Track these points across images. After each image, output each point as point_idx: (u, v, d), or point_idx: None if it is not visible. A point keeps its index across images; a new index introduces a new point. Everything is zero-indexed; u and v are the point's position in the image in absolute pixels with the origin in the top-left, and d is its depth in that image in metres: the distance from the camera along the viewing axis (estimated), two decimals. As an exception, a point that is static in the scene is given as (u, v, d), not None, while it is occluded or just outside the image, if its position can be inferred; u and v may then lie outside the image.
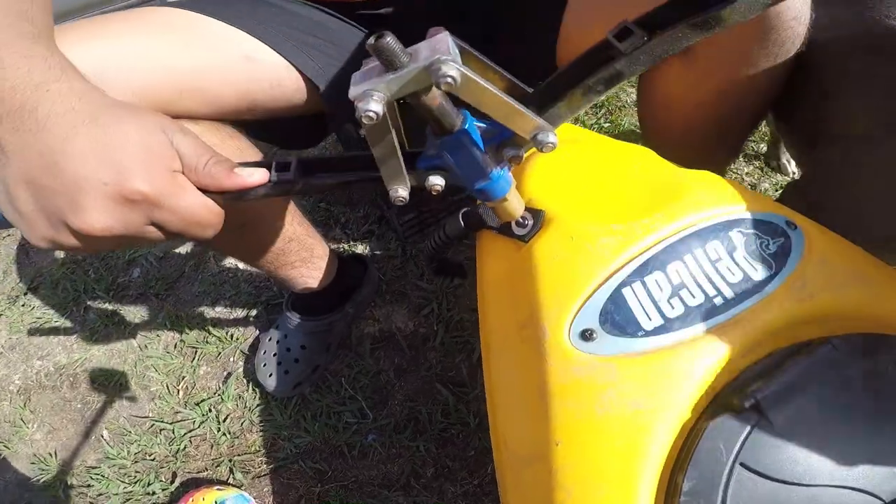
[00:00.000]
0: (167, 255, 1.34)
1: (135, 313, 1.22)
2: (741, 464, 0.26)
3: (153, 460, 0.99)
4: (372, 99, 0.27)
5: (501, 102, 0.30)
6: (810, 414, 0.28)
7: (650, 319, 0.32)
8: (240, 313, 1.16)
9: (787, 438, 0.27)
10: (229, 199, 0.39)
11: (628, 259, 0.34)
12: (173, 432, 1.01)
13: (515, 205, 0.40)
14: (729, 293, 0.32)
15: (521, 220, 0.41)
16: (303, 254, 0.90)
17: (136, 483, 0.96)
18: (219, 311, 1.18)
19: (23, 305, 1.30)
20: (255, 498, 0.91)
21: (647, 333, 0.31)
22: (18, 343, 1.23)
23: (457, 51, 0.29)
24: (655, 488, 0.28)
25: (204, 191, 0.38)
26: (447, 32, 0.29)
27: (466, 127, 0.33)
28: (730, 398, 0.28)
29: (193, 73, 0.56)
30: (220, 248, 0.86)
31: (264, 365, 1.01)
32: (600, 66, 0.31)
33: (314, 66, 0.68)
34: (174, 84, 0.55)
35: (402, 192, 0.36)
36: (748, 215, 0.37)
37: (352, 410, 0.97)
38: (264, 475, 0.94)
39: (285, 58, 0.63)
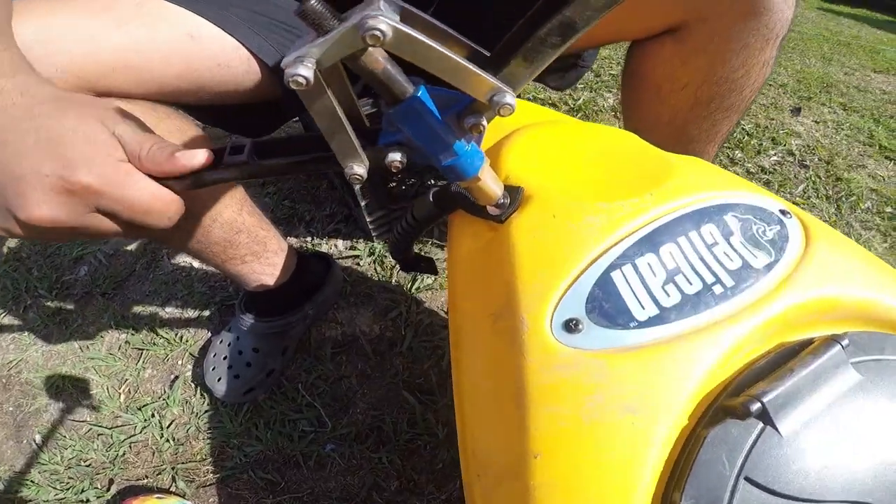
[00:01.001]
0: (117, 253, 1.24)
1: (78, 313, 1.11)
2: (746, 478, 0.23)
3: (88, 466, 0.87)
4: (301, 64, 0.26)
5: (449, 61, 0.27)
6: (820, 420, 0.24)
7: (643, 308, 0.27)
8: (191, 314, 1.06)
9: (796, 448, 0.23)
10: (184, 186, 0.38)
11: (617, 240, 0.30)
12: (111, 437, 0.89)
13: (491, 185, 0.36)
14: (729, 281, 0.28)
15: (498, 201, 0.37)
16: (254, 247, 0.82)
17: (68, 489, 0.85)
18: (169, 312, 1.07)
19: (-45, 303, 1.19)
20: None
21: (640, 325, 0.27)
22: (-53, 343, 1.12)
23: (391, 9, 0.27)
24: (658, 478, 0.24)
25: (159, 179, 0.37)
26: None
27: (419, 95, 0.30)
28: (732, 402, 0.24)
29: (126, 50, 0.54)
30: (163, 241, 0.78)
31: (213, 368, 0.91)
32: (550, 14, 0.28)
33: (268, 47, 0.65)
34: (103, 61, 0.52)
35: (357, 168, 0.33)
36: (742, 200, 0.34)
37: (308, 418, 0.88)
38: (210, 485, 0.83)
39: (234, 37, 0.61)
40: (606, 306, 0.28)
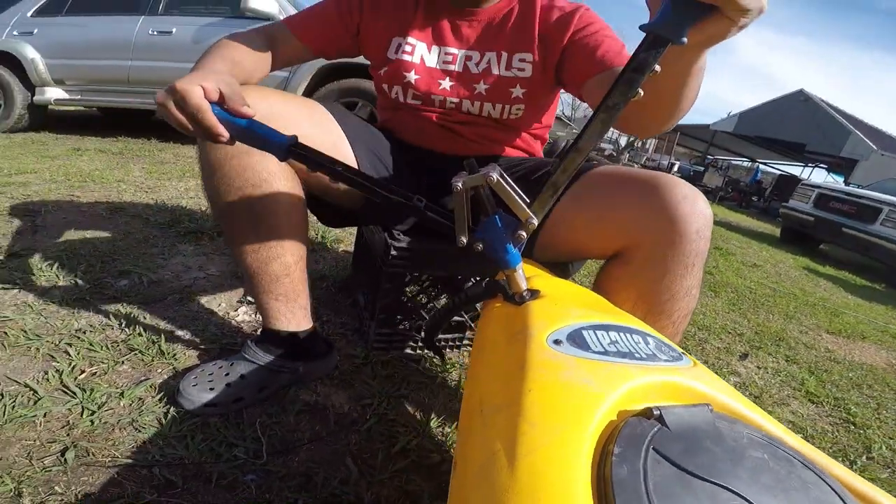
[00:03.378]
0: (160, 282, 1.32)
1: (94, 305, 1.14)
2: (654, 448, 0.33)
3: None
4: (460, 183, 0.55)
5: (512, 198, 0.55)
6: (690, 439, 0.35)
7: (597, 346, 0.45)
8: (193, 345, 1.07)
9: (682, 441, 0.34)
10: (236, 131, 0.65)
11: (589, 320, 0.49)
12: (34, 400, 0.81)
13: (521, 278, 0.58)
14: (643, 355, 0.45)
15: (522, 293, 0.58)
16: (290, 294, 0.93)
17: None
18: (175, 337, 1.08)
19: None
20: (62, 484, 0.68)
21: (593, 352, 0.44)
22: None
23: (497, 172, 0.55)
24: (598, 436, 0.35)
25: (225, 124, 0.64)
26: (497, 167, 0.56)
27: (497, 216, 0.58)
28: (641, 410, 0.38)
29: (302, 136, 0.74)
30: (233, 239, 0.88)
31: (194, 377, 0.88)
32: (546, 180, 0.55)
33: (369, 167, 0.96)
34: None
35: (463, 239, 0.60)
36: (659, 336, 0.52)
37: (247, 448, 0.79)
38: (97, 466, 0.71)
39: (354, 153, 0.94)
40: (577, 340, 0.45)
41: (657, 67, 0.45)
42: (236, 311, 1.27)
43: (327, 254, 1.84)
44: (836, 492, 0.33)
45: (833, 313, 2.72)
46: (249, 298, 1.32)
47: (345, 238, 2.01)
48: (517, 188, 0.56)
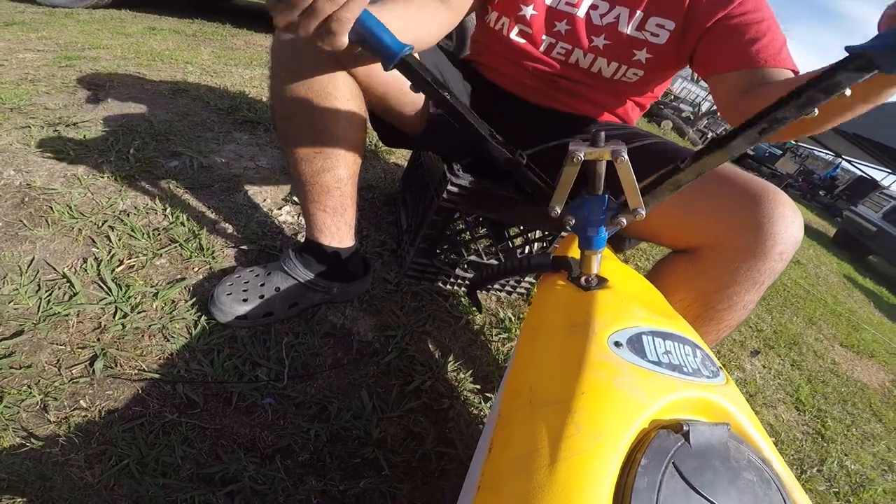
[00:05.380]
0: (210, 167, 1.25)
1: (139, 184, 1.09)
2: (673, 463, 0.33)
3: (17, 307, 0.74)
4: (578, 152, 0.46)
5: (631, 184, 0.47)
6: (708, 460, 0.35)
7: (652, 355, 0.43)
8: (234, 241, 1.02)
9: (697, 459, 0.34)
10: (358, 37, 0.50)
11: (650, 325, 0.47)
12: (70, 295, 0.78)
13: (597, 263, 0.52)
14: (689, 369, 0.43)
15: (591, 277, 0.52)
16: (338, 207, 0.86)
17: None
18: (216, 230, 1.03)
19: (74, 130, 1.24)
20: (87, 398, 0.66)
21: (648, 361, 0.42)
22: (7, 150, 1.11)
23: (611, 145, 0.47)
24: (630, 446, 0.34)
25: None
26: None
27: (606, 196, 0.50)
28: (670, 422, 0.38)
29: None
30: (289, 144, 0.81)
31: (229, 284, 0.84)
32: (667, 178, 0.50)
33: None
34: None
35: (557, 209, 0.52)
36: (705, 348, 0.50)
37: (269, 369, 0.77)
38: (124, 378, 0.69)
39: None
40: (636, 346, 0.43)
41: (847, 92, 0.42)
42: (280, 209, 1.21)
43: (378, 163, 1.71)
44: None
45: (854, 327, 2.62)
46: (295, 199, 1.25)
47: (397, 151, 1.86)
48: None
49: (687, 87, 17.99)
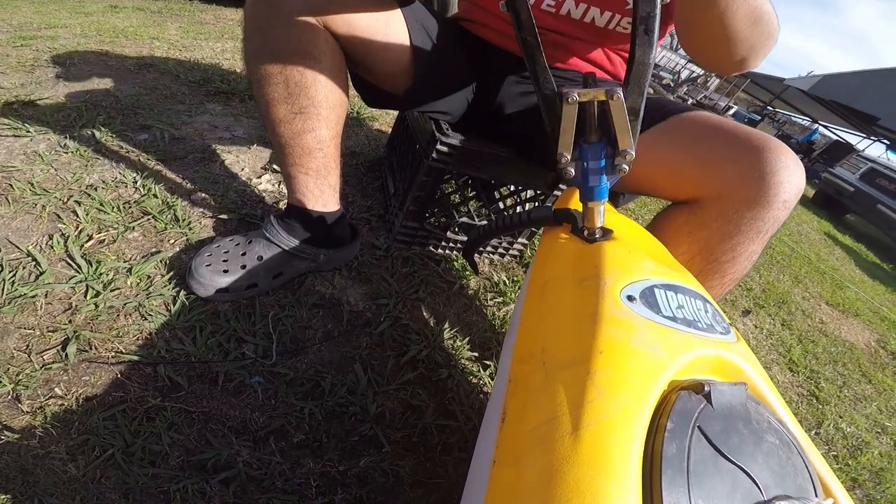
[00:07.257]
0: (181, 139, 1.16)
1: (108, 158, 1.00)
2: (699, 427, 0.31)
3: None
4: (575, 94, 0.45)
5: (624, 123, 0.46)
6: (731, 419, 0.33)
7: (667, 310, 0.40)
8: (211, 211, 0.94)
9: (721, 421, 0.32)
10: None
11: (661, 277, 0.44)
12: (36, 273, 0.71)
13: (601, 214, 0.50)
14: (703, 325, 0.41)
15: (595, 230, 0.50)
16: (320, 170, 0.79)
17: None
18: (192, 200, 0.95)
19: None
20: (62, 385, 0.60)
21: (663, 316, 0.39)
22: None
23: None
24: (654, 407, 0.32)
25: None
26: None
27: (602, 143, 0.48)
28: (692, 383, 0.35)
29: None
30: (267, 106, 0.74)
31: (208, 255, 0.77)
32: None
33: (424, 51, 0.80)
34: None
35: (567, 155, 0.49)
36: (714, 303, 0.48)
37: (256, 345, 0.71)
38: (101, 363, 0.63)
39: (412, 39, 0.79)
40: (650, 300, 0.40)
41: None
42: (259, 178, 1.13)
43: (360, 130, 1.61)
44: (812, 480, 0.33)
45: (837, 285, 2.62)
46: (275, 166, 1.16)
47: (381, 116, 1.76)
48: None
49: (667, 56, 17.99)
